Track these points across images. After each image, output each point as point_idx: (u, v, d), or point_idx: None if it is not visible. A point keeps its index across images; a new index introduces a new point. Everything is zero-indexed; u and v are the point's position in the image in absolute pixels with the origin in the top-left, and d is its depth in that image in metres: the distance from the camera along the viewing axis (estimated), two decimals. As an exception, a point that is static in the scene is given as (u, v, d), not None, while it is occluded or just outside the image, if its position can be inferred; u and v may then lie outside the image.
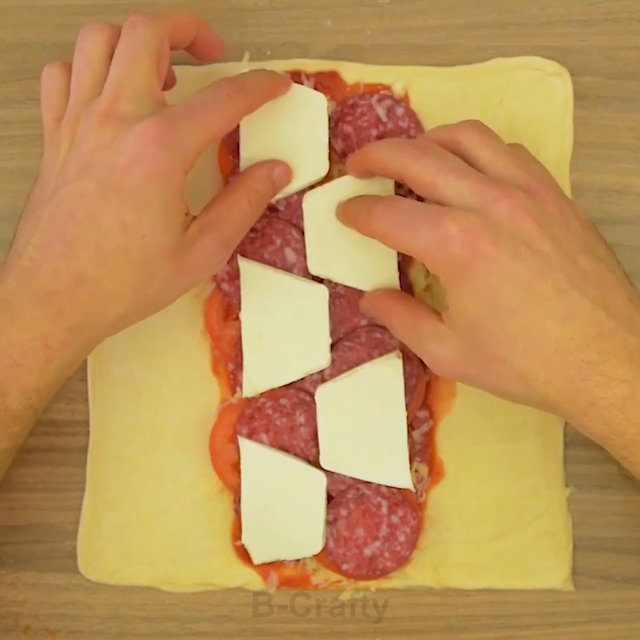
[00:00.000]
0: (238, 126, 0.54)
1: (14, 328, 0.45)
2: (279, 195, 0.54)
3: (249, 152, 0.54)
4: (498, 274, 0.43)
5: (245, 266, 0.54)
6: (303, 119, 0.54)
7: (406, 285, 0.56)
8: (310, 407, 0.55)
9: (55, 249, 0.45)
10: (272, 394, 0.55)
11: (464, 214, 0.44)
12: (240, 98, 0.49)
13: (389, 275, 0.54)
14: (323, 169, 0.54)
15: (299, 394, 0.55)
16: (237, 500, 0.55)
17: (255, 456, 0.54)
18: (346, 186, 0.54)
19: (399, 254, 0.54)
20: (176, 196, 0.46)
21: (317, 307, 0.54)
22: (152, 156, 0.45)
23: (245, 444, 0.55)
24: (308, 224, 0.54)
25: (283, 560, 0.56)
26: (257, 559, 0.55)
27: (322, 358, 0.54)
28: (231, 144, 0.56)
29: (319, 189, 0.54)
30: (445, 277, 0.45)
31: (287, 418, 0.55)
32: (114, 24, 0.50)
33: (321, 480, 0.54)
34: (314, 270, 0.54)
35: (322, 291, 0.54)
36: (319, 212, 0.54)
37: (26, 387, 0.46)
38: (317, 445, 0.55)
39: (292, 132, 0.54)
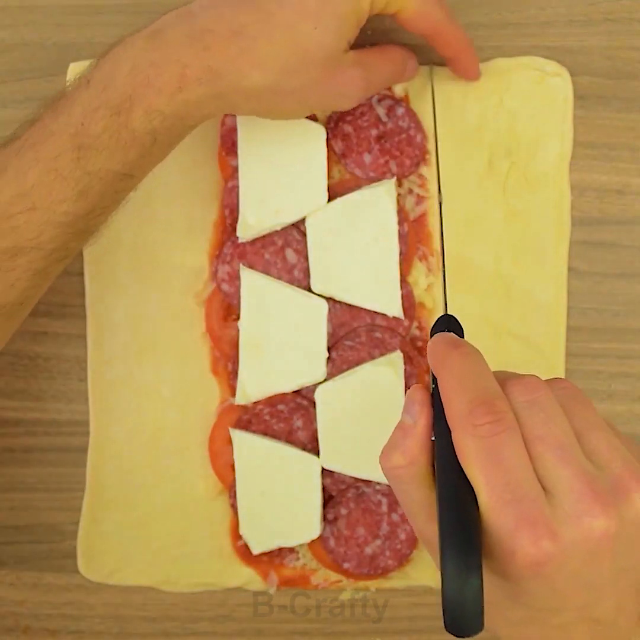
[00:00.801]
0: (236, 130, 0.54)
1: (158, 52, 0.45)
2: (276, 226, 0.54)
3: (248, 182, 0.54)
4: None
5: (247, 276, 0.54)
6: (302, 150, 0.54)
7: (407, 288, 0.56)
8: (308, 411, 0.55)
9: (226, 1, 0.46)
10: (270, 399, 0.55)
11: (545, 529, 0.35)
12: (445, 16, 0.50)
13: (391, 294, 0.54)
14: (322, 199, 0.54)
15: (297, 399, 0.55)
16: (233, 495, 0.55)
17: (248, 446, 0.54)
18: (348, 206, 0.54)
19: (399, 262, 0.55)
20: (357, 15, 0.47)
21: (315, 321, 0.54)
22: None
23: (237, 434, 0.55)
24: (311, 244, 0.54)
25: (283, 559, 0.56)
26: (256, 549, 0.55)
27: (317, 372, 0.54)
28: (231, 146, 0.56)
29: (321, 209, 0.54)
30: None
31: (284, 423, 0.55)
32: None
33: (315, 463, 0.54)
34: (317, 288, 0.54)
35: (322, 305, 0.54)
36: (321, 232, 0.54)
37: (152, 107, 0.45)
38: (314, 448, 0.55)
39: (291, 163, 0.54)
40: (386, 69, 0.52)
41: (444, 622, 0.34)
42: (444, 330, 0.41)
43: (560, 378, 0.39)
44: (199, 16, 0.46)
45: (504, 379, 0.38)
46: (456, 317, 0.42)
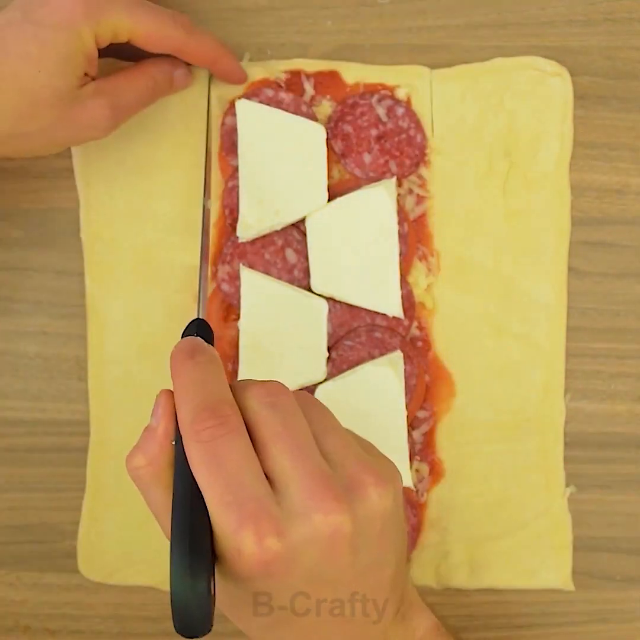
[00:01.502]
0: (236, 130, 0.54)
1: None
2: (276, 226, 0.54)
3: (248, 182, 0.54)
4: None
5: (247, 276, 0.54)
6: (302, 150, 0.54)
7: (407, 288, 0.56)
8: (309, 409, 0.55)
9: None
10: (271, 398, 0.55)
11: (269, 528, 0.35)
12: (182, 32, 0.51)
13: (391, 294, 0.54)
14: (322, 199, 0.54)
15: (297, 398, 0.55)
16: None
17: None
18: (348, 206, 0.54)
19: (399, 262, 0.54)
20: (82, 52, 0.48)
21: (315, 321, 0.54)
22: (73, 2, 0.47)
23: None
24: (311, 244, 0.54)
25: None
26: None
27: (317, 372, 0.54)
28: (231, 146, 0.56)
29: (321, 209, 0.54)
30: None
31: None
32: None
33: None
34: (317, 288, 0.54)
35: (322, 305, 0.54)
36: (321, 232, 0.54)
37: None
38: (316, 445, 0.55)
39: (291, 163, 0.54)
40: (135, 89, 0.52)
41: (174, 624, 0.34)
42: (194, 335, 0.41)
43: (302, 391, 0.41)
44: None
45: (247, 384, 0.39)
46: (206, 321, 0.42)
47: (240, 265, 0.55)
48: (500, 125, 0.56)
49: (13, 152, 0.51)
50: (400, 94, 0.56)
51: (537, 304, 0.56)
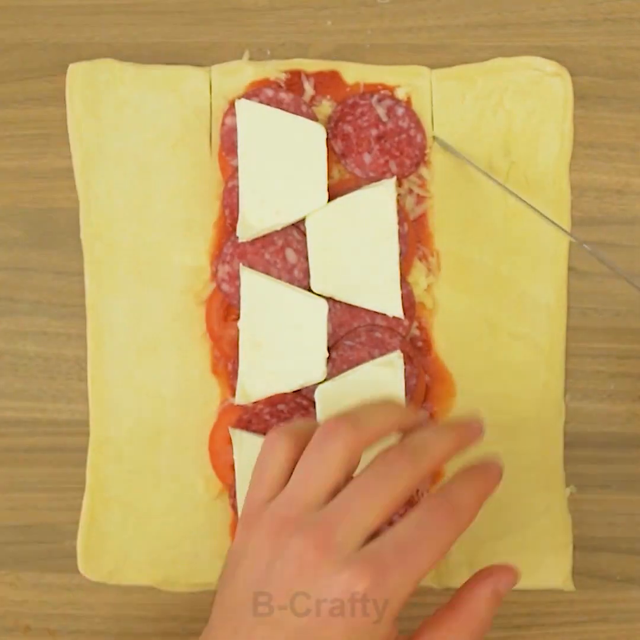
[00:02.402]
0: (236, 130, 0.54)
1: None
2: (276, 226, 0.54)
3: (248, 182, 0.54)
4: None
5: (247, 276, 0.54)
6: (302, 150, 0.54)
7: (407, 288, 0.56)
8: (308, 411, 0.55)
9: None
10: (270, 399, 0.55)
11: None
12: (454, 525, 0.42)
13: (391, 294, 0.54)
14: (322, 199, 0.54)
15: (297, 399, 0.55)
16: (233, 495, 0.55)
17: (248, 446, 0.54)
18: (348, 206, 0.54)
19: (399, 262, 0.54)
20: None
21: (315, 321, 0.54)
22: (356, 612, 0.40)
23: (237, 434, 0.55)
24: (311, 243, 0.54)
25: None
26: None
27: (317, 372, 0.54)
28: (231, 146, 0.56)
29: (321, 209, 0.54)
30: None
31: (285, 423, 0.55)
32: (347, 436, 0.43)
33: None
34: (317, 288, 0.54)
35: (322, 305, 0.54)
36: (321, 232, 0.54)
37: None
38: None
39: (291, 163, 0.54)
40: None
41: None
42: None
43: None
44: None
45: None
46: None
47: (240, 265, 0.55)
48: (500, 125, 0.56)
49: None
50: (400, 94, 0.56)
51: (537, 304, 0.56)
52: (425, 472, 0.42)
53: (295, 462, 0.44)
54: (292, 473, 0.43)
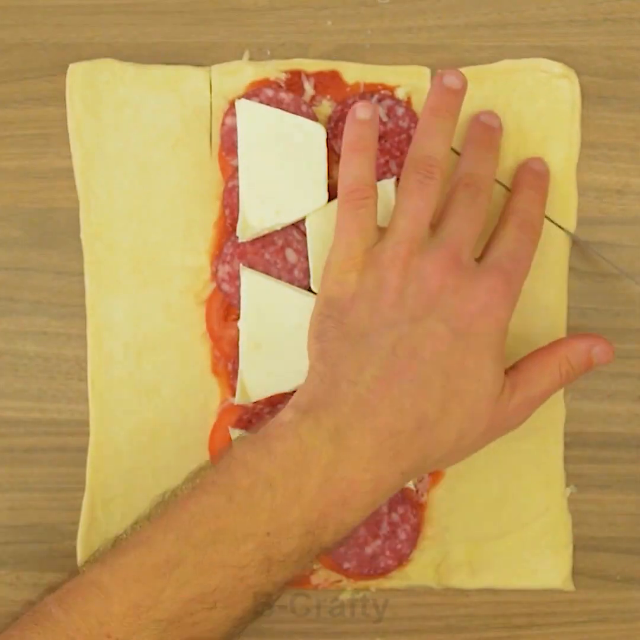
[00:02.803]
0: (236, 130, 0.54)
1: (349, 465, 0.44)
2: (276, 226, 0.54)
3: (248, 182, 0.54)
4: None
5: (247, 276, 0.54)
6: (302, 150, 0.54)
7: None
8: (309, 409, 0.55)
9: (400, 385, 0.45)
10: (270, 399, 0.55)
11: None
12: (536, 235, 0.52)
13: None
14: (322, 198, 0.54)
15: (298, 397, 0.55)
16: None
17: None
18: None
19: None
20: (503, 347, 0.48)
21: None
22: (499, 308, 0.48)
23: (237, 434, 0.54)
24: (311, 243, 0.54)
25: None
26: None
27: None
28: (231, 146, 0.56)
29: (321, 209, 0.54)
30: None
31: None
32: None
33: None
34: (317, 288, 0.54)
35: None
36: (322, 232, 0.54)
37: (345, 523, 0.45)
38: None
39: (291, 163, 0.54)
40: (549, 376, 0.50)
41: None
42: None
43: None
44: (380, 412, 0.45)
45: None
46: None
47: (240, 265, 0.55)
48: (507, 127, 0.56)
49: (434, 469, 0.50)
50: (400, 94, 0.56)
51: (537, 305, 0.56)
52: (491, 196, 0.51)
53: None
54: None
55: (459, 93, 0.51)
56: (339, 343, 0.47)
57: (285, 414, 0.47)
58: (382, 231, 0.50)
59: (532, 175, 0.54)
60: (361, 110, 0.50)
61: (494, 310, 0.47)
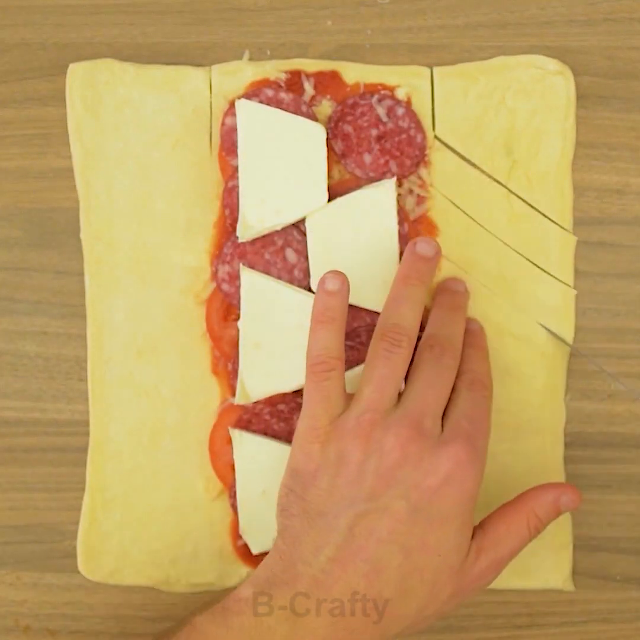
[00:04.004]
0: (236, 130, 0.54)
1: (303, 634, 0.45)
2: (276, 226, 0.54)
3: (248, 182, 0.54)
4: None
5: (247, 276, 0.54)
6: (302, 150, 0.54)
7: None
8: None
9: (355, 567, 0.45)
10: (270, 399, 0.55)
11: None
12: (489, 391, 0.52)
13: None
14: (322, 198, 0.54)
15: (297, 399, 0.55)
16: (233, 495, 0.55)
17: (248, 446, 0.54)
18: (348, 206, 0.54)
19: (399, 262, 0.55)
20: (472, 514, 0.48)
21: None
22: (464, 478, 0.47)
23: (237, 434, 0.55)
24: (311, 244, 0.54)
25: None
26: (256, 549, 0.55)
27: None
28: (231, 146, 0.56)
29: (321, 209, 0.54)
30: None
31: (285, 423, 0.55)
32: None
33: None
34: (316, 288, 0.54)
35: None
36: (321, 232, 0.54)
37: None
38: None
39: (291, 163, 0.54)
40: (517, 535, 0.49)
41: None
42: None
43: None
44: (335, 593, 0.45)
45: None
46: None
47: (240, 265, 0.55)
48: (502, 124, 0.56)
49: (408, 633, 0.48)
50: (401, 94, 0.56)
51: (542, 306, 0.56)
52: (459, 358, 0.51)
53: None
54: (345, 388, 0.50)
55: (431, 260, 0.52)
56: (299, 521, 0.47)
57: (245, 589, 0.47)
58: (349, 398, 0.49)
59: (474, 335, 0.54)
60: (330, 281, 0.50)
61: (458, 480, 0.46)
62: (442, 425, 0.49)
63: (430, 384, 0.49)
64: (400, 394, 0.49)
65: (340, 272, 0.50)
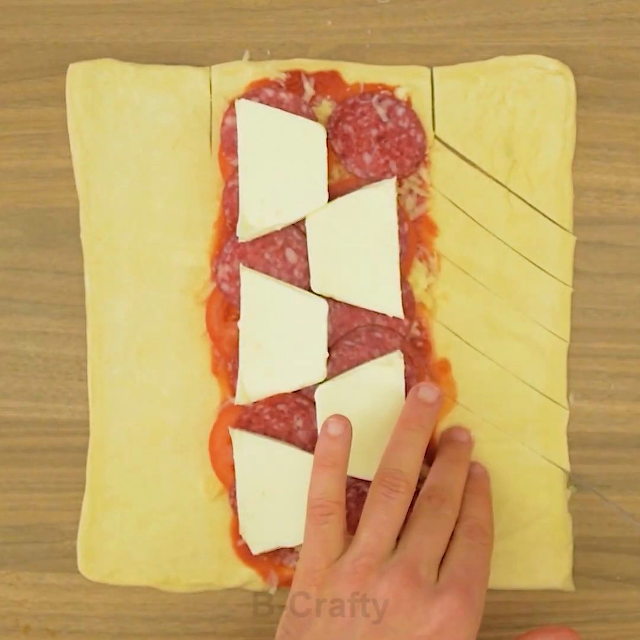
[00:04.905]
0: (236, 130, 0.54)
1: None
2: (276, 226, 0.54)
3: (248, 182, 0.54)
4: None
5: (247, 276, 0.54)
6: (302, 150, 0.54)
7: (407, 288, 0.56)
8: (308, 411, 0.55)
9: None
10: (270, 399, 0.55)
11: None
12: (490, 539, 0.52)
13: (391, 294, 0.54)
14: (322, 198, 0.54)
15: (297, 399, 0.55)
16: (233, 495, 0.55)
17: (248, 446, 0.54)
18: (348, 206, 0.54)
19: (399, 262, 0.54)
20: None
21: (315, 321, 0.54)
22: (458, 629, 0.46)
23: (237, 434, 0.55)
24: (311, 243, 0.54)
25: (283, 559, 0.56)
26: (256, 549, 0.55)
27: (317, 372, 0.54)
28: (231, 146, 0.56)
29: (321, 209, 0.54)
30: None
31: (285, 423, 0.55)
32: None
33: None
34: (317, 288, 0.54)
35: (322, 305, 0.54)
36: (321, 232, 0.54)
37: None
38: (314, 449, 0.55)
39: (291, 163, 0.54)
40: None
41: None
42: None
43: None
44: None
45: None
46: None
47: (240, 265, 0.55)
48: (502, 124, 0.56)
49: None
50: (401, 94, 0.56)
51: (541, 305, 0.56)
52: (459, 508, 0.51)
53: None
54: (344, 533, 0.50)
55: (433, 406, 0.52)
56: None
57: None
58: (349, 540, 0.49)
59: (480, 482, 0.55)
60: (333, 426, 0.50)
61: (451, 631, 0.46)
62: (439, 573, 0.48)
63: (427, 532, 0.49)
64: (398, 539, 0.49)
65: (343, 416, 0.50)
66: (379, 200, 0.54)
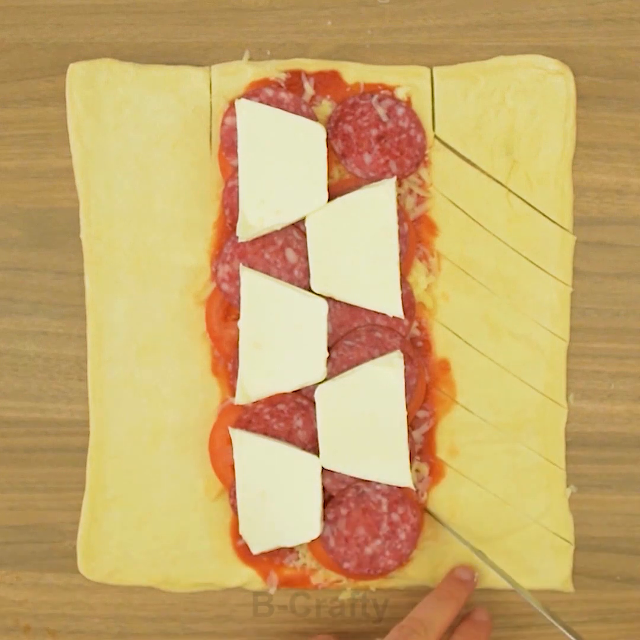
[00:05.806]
0: (236, 130, 0.54)
1: None
2: (276, 226, 0.54)
3: (248, 182, 0.54)
4: None
5: (247, 276, 0.54)
6: (302, 150, 0.54)
7: (407, 288, 0.56)
8: (308, 411, 0.55)
9: None
10: (270, 399, 0.55)
11: None
12: None
13: (391, 294, 0.54)
14: (322, 198, 0.54)
15: (297, 399, 0.55)
16: (233, 495, 0.55)
17: (248, 446, 0.54)
18: (348, 206, 0.54)
19: (399, 262, 0.54)
20: None
21: (315, 321, 0.54)
22: None
23: (237, 434, 0.55)
24: (311, 243, 0.54)
25: (283, 559, 0.56)
26: (255, 549, 0.55)
27: (317, 371, 0.54)
28: (231, 146, 0.56)
29: (321, 209, 0.54)
30: None
31: (285, 423, 0.55)
32: None
33: (315, 463, 0.54)
34: (317, 288, 0.54)
35: (321, 305, 0.54)
36: (321, 232, 0.54)
37: None
38: (314, 448, 0.55)
39: (291, 163, 0.54)
40: None
41: None
42: None
43: None
44: None
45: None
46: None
47: (240, 265, 0.55)
48: (502, 124, 0.56)
49: None
50: (401, 93, 0.56)
51: (540, 305, 0.56)
52: None
53: None
54: None
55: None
56: None
57: None
58: None
59: (451, 584, 0.55)
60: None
61: None
62: None
63: None
64: None
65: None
66: (379, 200, 0.54)
